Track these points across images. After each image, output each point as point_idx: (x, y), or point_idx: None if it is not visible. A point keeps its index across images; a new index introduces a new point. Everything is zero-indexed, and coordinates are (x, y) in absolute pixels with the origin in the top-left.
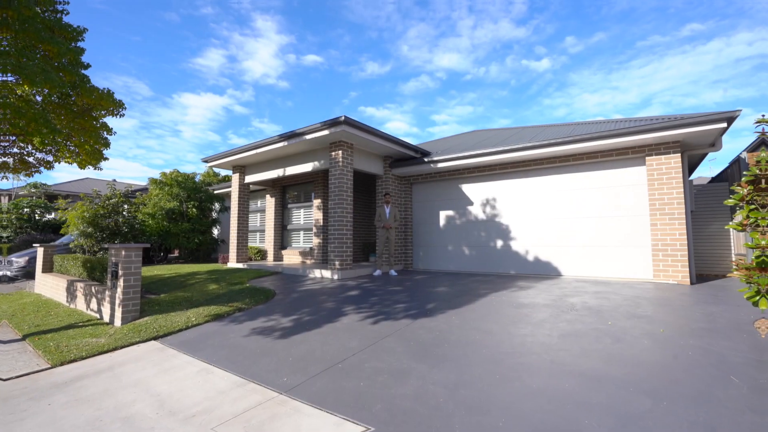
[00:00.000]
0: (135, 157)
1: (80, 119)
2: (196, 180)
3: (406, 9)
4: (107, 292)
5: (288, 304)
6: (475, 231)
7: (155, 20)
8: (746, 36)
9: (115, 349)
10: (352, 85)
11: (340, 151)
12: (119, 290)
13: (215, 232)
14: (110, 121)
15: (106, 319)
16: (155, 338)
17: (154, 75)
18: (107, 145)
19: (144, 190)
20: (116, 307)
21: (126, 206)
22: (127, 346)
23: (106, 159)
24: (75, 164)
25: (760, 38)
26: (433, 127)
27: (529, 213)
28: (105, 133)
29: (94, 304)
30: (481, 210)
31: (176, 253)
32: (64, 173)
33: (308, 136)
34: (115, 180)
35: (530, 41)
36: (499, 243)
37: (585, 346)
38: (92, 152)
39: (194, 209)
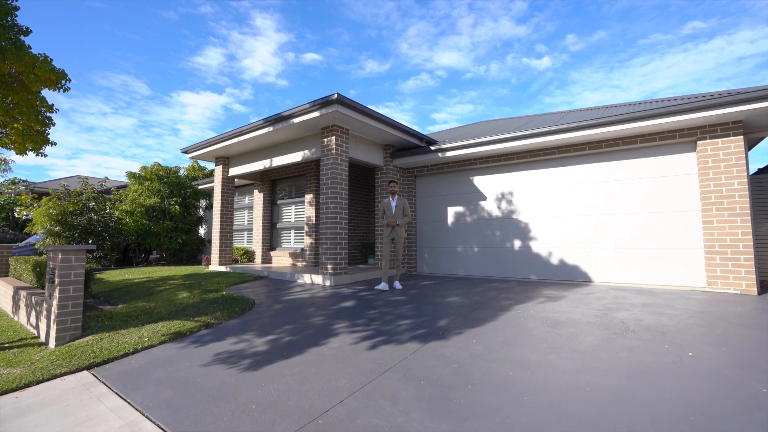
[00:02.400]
0: (134, 156)
1: (10, 91)
2: (180, 174)
3: (406, 7)
4: (44, 304)
5: (267, 318)
6: (489, 230)
7: (154, 18)
8: (748, 34)
9: (28, 384)
10: (352, 84)
11: (334, 137)
12: (55, 303)
13: (201, 231)
14: (54, 96)
15: (43, 337)
16: (89, 367)
17: (152, 73)
18: (46, 124)
19: (125, 186)
20: (51, 323)
21: (106, 203)
22: (48, 379)
23: (52, 144)
24: (14, 150)
25: (761, 36)
26: (433, 126)
27: (552, 209)
28: (46, 111)
29: (33, 318)
30: (496, 206)
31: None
32: (61, 171)
33: (296, 120)
34: (107, 178)
35: (531, 39)
36: (517, 243)
37: (672, 393)
38: (28, 133)
39: (177, 206)
